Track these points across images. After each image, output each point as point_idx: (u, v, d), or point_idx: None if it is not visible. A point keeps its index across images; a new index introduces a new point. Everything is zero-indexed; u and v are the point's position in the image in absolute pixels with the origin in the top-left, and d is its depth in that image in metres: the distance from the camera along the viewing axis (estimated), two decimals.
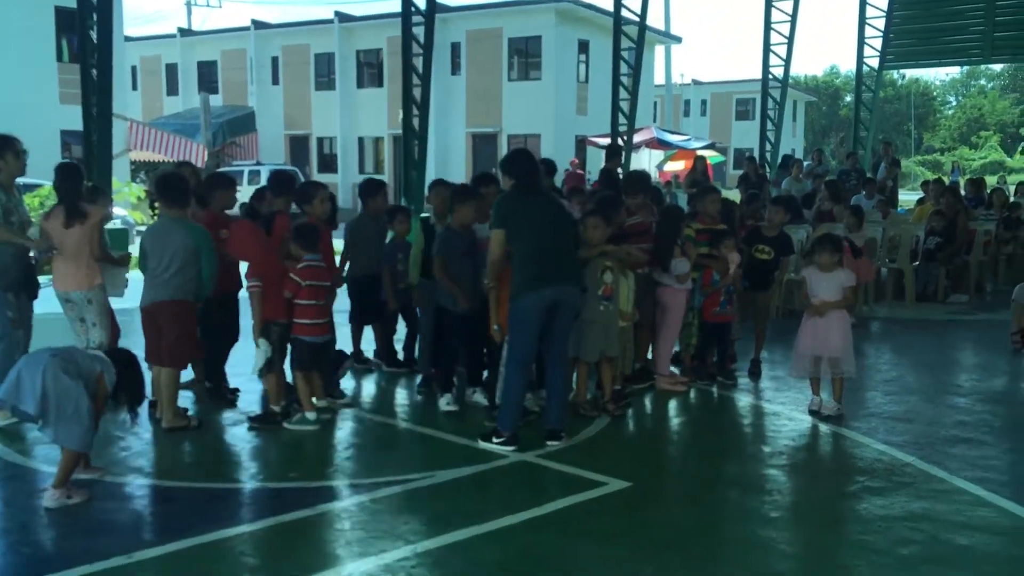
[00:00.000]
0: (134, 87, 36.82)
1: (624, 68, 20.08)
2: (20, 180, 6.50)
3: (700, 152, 23.85)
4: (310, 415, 6.31)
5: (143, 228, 9.76)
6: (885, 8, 22.64)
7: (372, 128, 34.06)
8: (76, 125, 14.42)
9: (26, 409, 4.68)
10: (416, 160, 16.95)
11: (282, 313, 6.24)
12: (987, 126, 67.25)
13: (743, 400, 7.27)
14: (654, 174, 23.71)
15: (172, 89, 38.72)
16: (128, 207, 18.45)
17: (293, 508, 4.81)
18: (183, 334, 6.14)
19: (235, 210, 7.27)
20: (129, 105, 28.03)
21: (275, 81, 36.23)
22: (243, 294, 6.61)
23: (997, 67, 70.59)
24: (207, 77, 37.83)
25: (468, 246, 6.53)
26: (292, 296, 6.21)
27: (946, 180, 17.66)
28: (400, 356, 7.99)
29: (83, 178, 6.69)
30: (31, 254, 6.46)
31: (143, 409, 5.50)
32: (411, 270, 7.19)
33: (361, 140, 34.86)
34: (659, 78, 38.94)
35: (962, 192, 15.40)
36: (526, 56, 31.56)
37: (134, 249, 9.25)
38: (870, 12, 22.89)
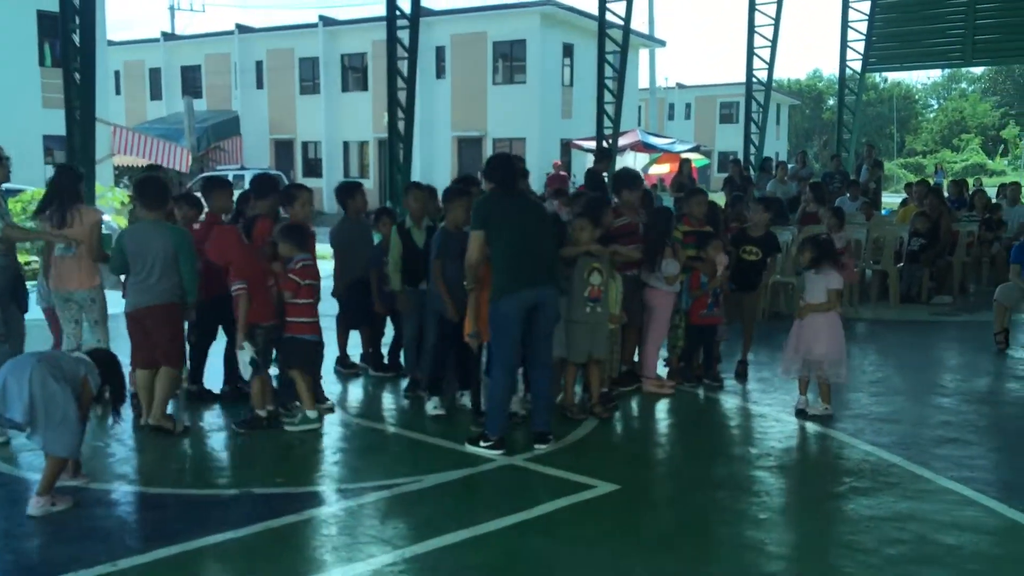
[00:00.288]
0: (117, 92, 36.65)
1: (609, 71, 20.09)
2: (3, 185, 6.48)
3: (685, 155, 23.92)
4: (311, 413, 6.29)
5: None
6: (867, 12, 22.79)
7: (357, 132, 33.95)
8: (59, 130, 14.29)
9: (13, 417, 4.61)
10: (401, 164, 16.89)
11: (266, 316, 6.22)
12: (968, 129, 67.68)
13: (730, 402, 7.29)
14: None
15: (156, 94, 38.48)
16: (112, 212, 18.33)
17: (280, 513, 4.79)
18: (175, 334, 6.19)
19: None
20: (112, 110, 27.88)
21: (259, 85, 36.05)
22: None
23: (978, 70, 71.39)
24: (191, 81, 37.60)
25: (463, 248, 6.49)
26: (292, 296, 6.19)
27: (931, 182, 17.75)
28: (386, 360, 7.96)
29: (81, 179, 6.72)
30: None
31: (125, 409, 5.47)
32: (391, 276, 7.11)
33: (346, 144, 34.73)
34: (643, 82, 39.01)
35: (945, 194, 15.49)
36: (511, 60, 31.52)
37: None
38: (852, 15, 23.02)
